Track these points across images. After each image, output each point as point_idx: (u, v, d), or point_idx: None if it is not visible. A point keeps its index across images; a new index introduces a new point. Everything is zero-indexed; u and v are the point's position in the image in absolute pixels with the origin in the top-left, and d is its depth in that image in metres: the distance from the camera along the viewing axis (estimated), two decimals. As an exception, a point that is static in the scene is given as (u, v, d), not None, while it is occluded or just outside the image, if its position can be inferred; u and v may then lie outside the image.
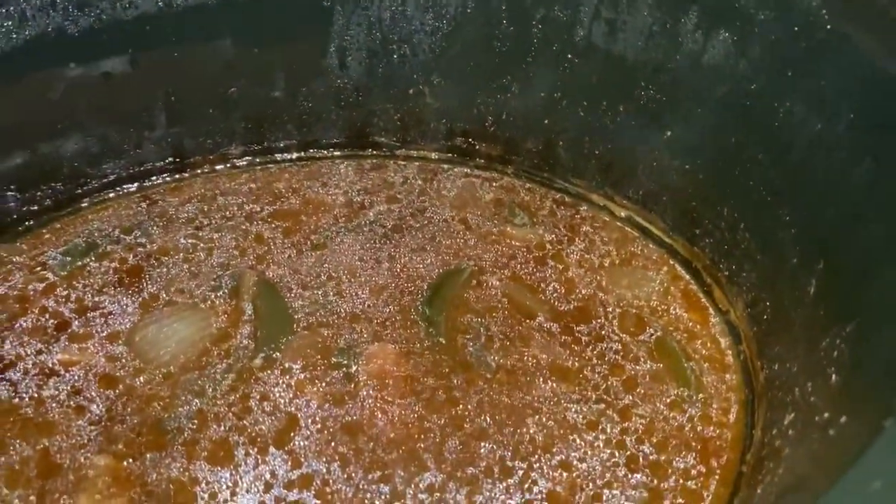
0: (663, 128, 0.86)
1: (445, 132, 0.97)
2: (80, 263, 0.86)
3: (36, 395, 0.74)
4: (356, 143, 0.98)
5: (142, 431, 0.72)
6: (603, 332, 0.82)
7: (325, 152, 0.99)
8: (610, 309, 0.85)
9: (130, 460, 0.70)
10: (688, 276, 0.88)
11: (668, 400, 0.77)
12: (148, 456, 0.71)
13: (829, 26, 0.70)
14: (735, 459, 0.73)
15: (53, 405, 0.73)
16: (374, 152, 0.99)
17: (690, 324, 0.84)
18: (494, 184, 0.98)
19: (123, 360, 0.77)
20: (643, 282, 0.88)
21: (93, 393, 0.75)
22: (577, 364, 0.79)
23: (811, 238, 0.72)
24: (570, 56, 0.88)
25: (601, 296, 0.86)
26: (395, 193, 0.95)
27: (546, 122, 0.93)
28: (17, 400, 0.73)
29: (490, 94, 0.94)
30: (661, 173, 0.88)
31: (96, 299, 0.82)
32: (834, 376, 0.63)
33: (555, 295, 0.86)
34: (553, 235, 0.92)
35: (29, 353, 0.77)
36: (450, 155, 0.99)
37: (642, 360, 0.80)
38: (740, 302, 0.83)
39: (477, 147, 0.98)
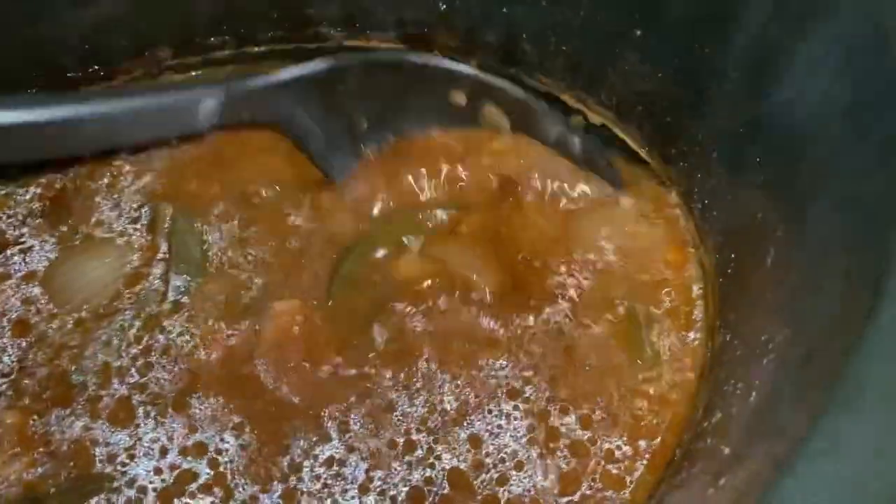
0: (633, 25, 0.68)
1: (395, 22, 0.82)
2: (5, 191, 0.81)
3: (-56, 344, 0.73)
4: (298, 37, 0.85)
5: (49, 385, 0.70)
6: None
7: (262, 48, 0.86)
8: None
9: (36, 417, 0.69)
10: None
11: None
12: (54, 413, 0.69)
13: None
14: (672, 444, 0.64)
15: (-37, 354, 0.72)
16: (320, 46, 0.85)
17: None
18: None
19: (39, 305, 0.74)
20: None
21: (5, 340, 0.73)
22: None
23: (783, 194, 0.56)
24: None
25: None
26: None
27: (505, 10, 0.76)
28: (-78, 349, 0.72)
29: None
30: (633, 78, 0.72)
31: (17, 233, 0.78)
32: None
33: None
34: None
35: (-64, 293, 0.75)
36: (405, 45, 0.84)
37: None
38: (710, 243, 0.69)
39: (434, 37, 0.82)
